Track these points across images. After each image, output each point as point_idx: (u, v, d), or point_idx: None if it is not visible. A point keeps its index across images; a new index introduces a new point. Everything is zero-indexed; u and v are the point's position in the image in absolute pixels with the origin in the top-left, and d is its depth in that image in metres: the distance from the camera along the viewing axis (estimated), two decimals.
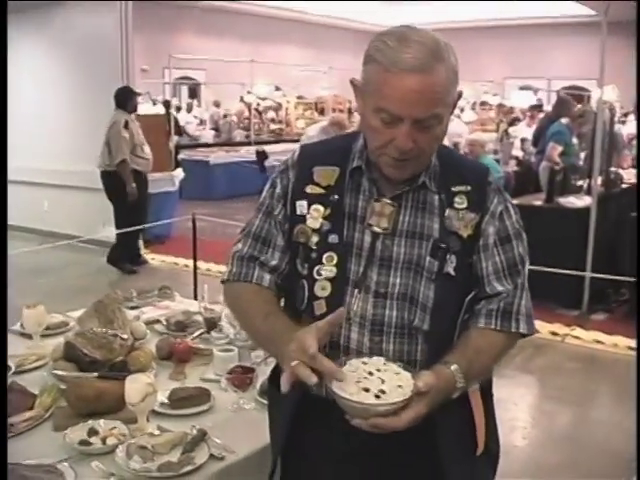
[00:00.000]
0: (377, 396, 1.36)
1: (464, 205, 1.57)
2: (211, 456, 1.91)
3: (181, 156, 12.46)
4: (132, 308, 3.16)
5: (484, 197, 1.59)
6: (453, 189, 1.58)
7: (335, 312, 1.46)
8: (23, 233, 9.08)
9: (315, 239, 1.58)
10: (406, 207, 1.59)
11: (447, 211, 1.57)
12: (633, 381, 5.00)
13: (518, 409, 4.82)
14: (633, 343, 5.66)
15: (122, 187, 7.47)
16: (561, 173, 7.01)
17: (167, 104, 12.76)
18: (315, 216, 1.59)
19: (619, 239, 6.63)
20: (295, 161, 1.67)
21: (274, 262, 1.66)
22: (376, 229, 1.57)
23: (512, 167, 9.67)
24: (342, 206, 1.59)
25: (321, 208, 1.59)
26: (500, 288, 1.59)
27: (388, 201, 1.58)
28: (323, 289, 1.56)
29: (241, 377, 2.22)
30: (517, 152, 10.48)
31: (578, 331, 5.99)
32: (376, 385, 1.38)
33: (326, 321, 1.44)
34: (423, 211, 1.58)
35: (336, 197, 1.59)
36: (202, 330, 2.83)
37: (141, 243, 8.39)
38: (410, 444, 1.55)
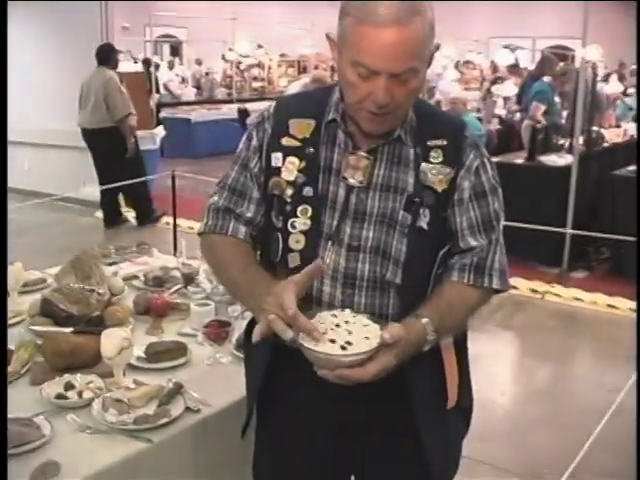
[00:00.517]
0: (343, 347, 1.36)
1: (439, 159, 1.55)
2: (187, 409, 1.92)
3: (162, 114, 12.29)
4: (110, 264, 3.14)
5: (460, 152, 1.57)
6: (429, 143, 1.56)
7: (313, 264, 1.46)
8: None
9: (290, 192, 1.57)
10: (381, 160, 1.57)
11: (422, 165, 1.55)
12: (613, 338, 5.09)
13: (497, 365, 4.85)
14: (612, 301, 5.71)
15: (119, 144, 7.38)
16: (543, 132, 6.98)
17: (147, 62, 12.56)
18: (290, 169, 1.58)
19: (600, 198, 6.64)
20: (271, 113, 1.65)
21: (249, 215, 1.65)
22: (351, 182, 1.56)
23: (495, 125, 9.63)
24: (317, 159, 1.58)
25: (296, 161, 1.58)
26: (474, 243, 1.59)
27: (363, 154, 1.56)
28: (297, 242, 1.57)
29: (217, 331, 2.22)
30: (500, 111, 10.45)
31: (558, 288, 6.03)
32: (343, 336, 1.38)
33: (305, 273, 1.44)
34: (398, 165, 1.57)
35: (311, 150, 1.58)
36: (180, 285, 2.82)
37: (122, 201, 8.27)
38: (380, 396, 1.56)
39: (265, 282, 1.50)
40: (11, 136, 9.65)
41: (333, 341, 1.37)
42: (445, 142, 1.56)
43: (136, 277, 2.97)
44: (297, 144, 1.59)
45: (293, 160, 1.58)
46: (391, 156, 1.58)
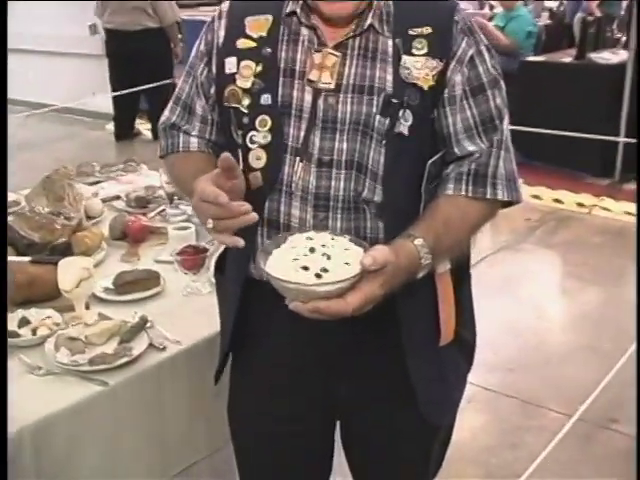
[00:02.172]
0: (318, 275, 1.27)
1: (424, 50, 1.45)
2: (151, 346, 1.87)
3: (181, 16, 12.22)
4: (93, 184, 3.08)
5: (449, 40, 1.46)
6: (410, 32, 1.45)
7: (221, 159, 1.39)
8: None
9: (246, 101, 1.50)
10: (352, 57, 1.47)
11: (403, 58, 1.45)
12: None
13: (534, 287, 4.72)
14: None
15: (164, 49, 7.37)
16: (595, 24, 6.69)
17: None
18: (246, 75, 1.50)
19: None
20: (225, 12, 1.57)
21: (194, 133, 1.63)
22: (318, 85, 1.47)
23: (544, 20, 9.22)
24: (276, 60, 1.50)
25: (252, 64, 1.50)
26: (472, 148, 1.50)
27: (331, 50, 1.46)
28: (258, 159, 1.50)
29: (192, 258, 2.16)
30: (551, 3, 10.09)
31: (607, 202, 5.86)
32: (319, 263, 1.30)
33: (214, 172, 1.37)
34: (373, 60, 1.47)
35: (268, 50, 1.50)
36: (164, 207, 2.74)
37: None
38: (365, 330, 1.51)
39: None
40: (13, 43, 9.63)
41: (306, 268, 1.29)
42: (430, 29, 1.45)
43: (118, 198, 2.90)
44: (252, 45, 1.51)
45: (248, 64, 1.50)
46: (363, 51, 1.47)
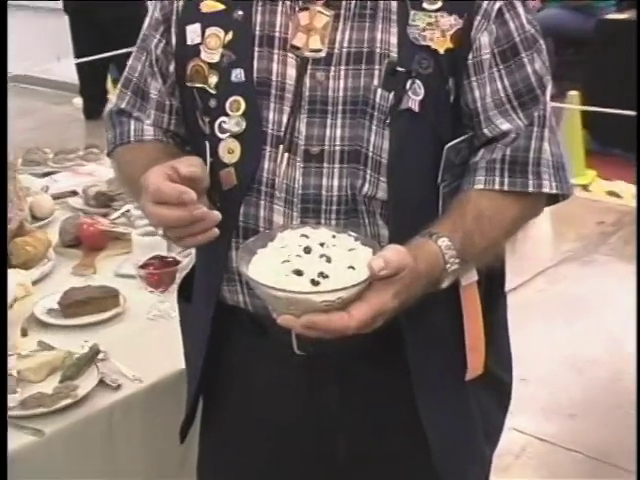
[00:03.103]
0: (315, 282, 1.27)
1: (438, 4, 1.43)
2: (103, 384, 1.86)
3: None
4: (44, 175, 3.07)
5: None
6: None
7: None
8: None
9: (214, 79, 1.50)
10: (347, 17, 1.45)
11: (412, 15, 1.43)
12: None
13: (606, 310, 4.58)
14: None
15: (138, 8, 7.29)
16: None
17: None
18: (212, 46, 1.49)
19: None
20: None
21: (149, 122, 1.63)
22: (304, 52, 1.46)
23: None
24: (250, 26, 1.48)
25: (220, 32, 1.49)
26: (506, 127, 1.48)
27: (320, 8, 1.45)
28: (230, 152, 1.50)
29: (160, 273, 2.15)
30: None
31: None
32: (316, 266, 1.29)
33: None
34: (373, 20, 1.45)
35: (240, 13, 1.48)
36: (129, 206, 2.68)
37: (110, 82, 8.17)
38: (374, 357, 1.52)
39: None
40: None
41: (300, 273, 1.28)
42: None
43: (74, 194, 2.90)
44: (220, 7, 1.50)
45: (215, 32, 1.49)
46: (360, 8, 1.45)
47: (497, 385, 1.68)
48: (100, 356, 1.94)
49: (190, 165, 1.37)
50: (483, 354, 1.58)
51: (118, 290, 2.23)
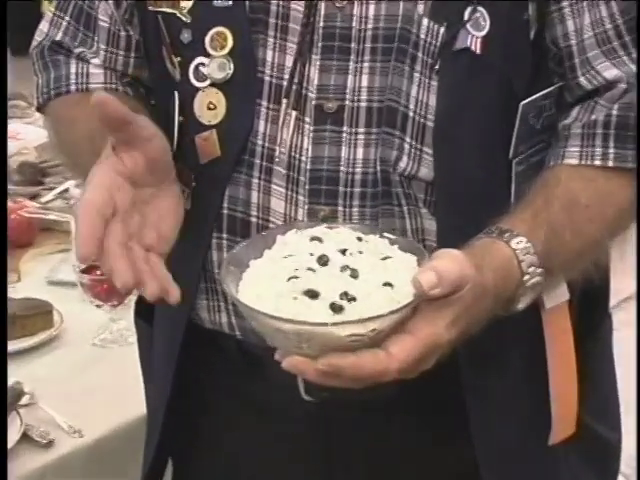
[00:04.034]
0: (336, 307, 1.15)
1: None
2: (28, 439, 1.79)
3: None
4: None
5: None
6: None
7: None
8: None
9: (188, 1, 1.42)
10: None
11: None
12: None
13: None
14: None
15: None
16: None
17: None
18: None
19: None
20: None
21: (97, 61, 1.53)
22: None
23: None
24: None
25: None
26: (612, 73, 1.37)
27: None
28: (211, 108, 1.41)
29: (110, 279, 2.02)
30: None
31: None
32: (336, 284, 1.17)
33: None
34: None
35: None
36: (69, 183, 2.69)
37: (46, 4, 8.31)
38: (419, 411, 1.42)
39: None
40: None
41: (314, 294, 1.16)
42: None
43: None
44: None
45: None
46: None
47: (599, 444, 1.56)
48: (24, 400, 1.86)
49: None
50: (575, 406, 1.47)
51: (51, 304, 2.16)
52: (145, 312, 1.62)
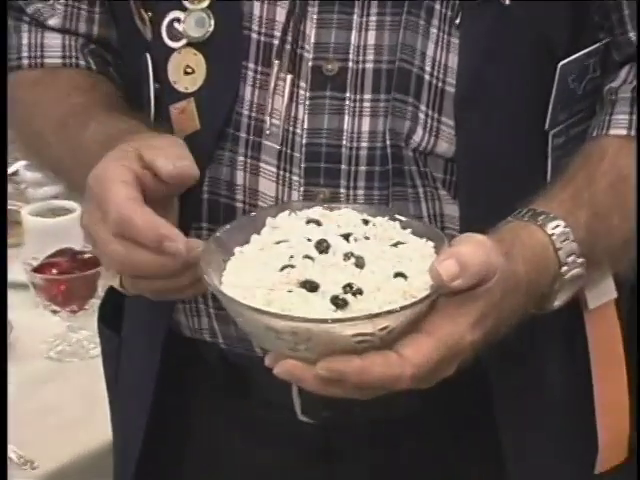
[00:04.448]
0: (339, 302, 1.09)
1: None
2: None
3: None
4: None
5: None
6: None
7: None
8: None
9: None
10: None
11: None
12: None
13: None
14: None
15: None
16: None
17: None
18: None
19: None
20: None
21: (53, 23, 1.48)
22: None
23: None
24: None
25: None
26: None
27: None
28: (188, 72, 1.37)
29: (68, 280, 2.06)
30: None
31: None
32: (338, 274, 1.12)
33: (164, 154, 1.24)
34: None
35: None
36: (18, 164, 2.69)
37: None
38: (438, 429, 1.39)
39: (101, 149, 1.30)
40: None
41: (312, 286, 1.11)
42: None
43: None
44: None
45: None
46: None
47: None
48: None
49: (176, 157, 1.24)
50: (627, 426, 1.43)
51: None
52: (112, 318, 1.57)
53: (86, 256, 2.11)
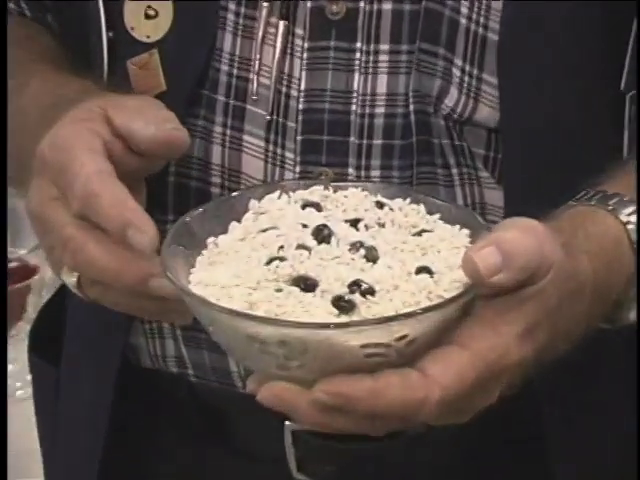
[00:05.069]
0: (343, 304, 0.98)
1: None
2: None
3: None
4: None
5: None
6: None
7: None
8: None
9: None
10: None
11: None
12: None
13: None
14: None
15: None
16: None
17: None
18: None
19: None
20: None
21: None
22: None
23: None
24: None
25: None
26: None
27: None
28: (150, 16, 1.31)
29: None
30: None
31: None
32: (342, 270, 1.03)
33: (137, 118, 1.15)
34: None
35: None
36: None
37: None
38: (477, 473, 1.28)
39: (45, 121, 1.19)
40: None
41: (309, 285, 1.01)
42: None
43: None
44: None
45: None
46: None
47: None
48: None
49: (156, 119, 1.13)
50: None
51: None
52: (47, 347, 1.45)
53: (13, 264, 2.04)
